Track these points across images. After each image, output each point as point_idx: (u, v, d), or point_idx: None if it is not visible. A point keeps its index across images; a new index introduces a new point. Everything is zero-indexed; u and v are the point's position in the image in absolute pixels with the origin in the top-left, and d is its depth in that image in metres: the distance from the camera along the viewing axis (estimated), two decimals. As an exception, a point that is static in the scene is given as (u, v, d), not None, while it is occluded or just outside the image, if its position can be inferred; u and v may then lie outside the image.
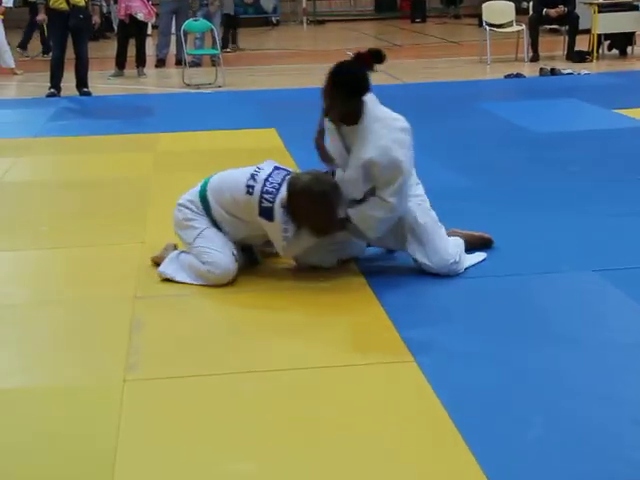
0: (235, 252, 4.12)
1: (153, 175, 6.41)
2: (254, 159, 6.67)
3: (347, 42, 16.73)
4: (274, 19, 20.95)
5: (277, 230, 4.03)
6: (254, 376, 3.23)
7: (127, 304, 3.92)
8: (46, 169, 6.86)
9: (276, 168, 4.16)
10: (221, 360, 3.38)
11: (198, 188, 4.27)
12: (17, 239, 4.91)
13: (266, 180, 4.04)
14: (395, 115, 4.08)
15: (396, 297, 3.91)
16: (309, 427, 2.88)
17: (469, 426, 2.80)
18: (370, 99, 4.02)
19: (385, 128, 3.95)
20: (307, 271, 4.23)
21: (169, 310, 3.90)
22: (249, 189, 4.03)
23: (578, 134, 7.48)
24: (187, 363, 3.37)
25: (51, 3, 10.02)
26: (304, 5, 21.37)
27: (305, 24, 21.23)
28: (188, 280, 4.12)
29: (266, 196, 3.99)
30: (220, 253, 4.07)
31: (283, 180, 4.04)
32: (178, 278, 4.14)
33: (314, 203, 3.95)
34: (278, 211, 3.98)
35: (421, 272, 4.16)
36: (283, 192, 3.98)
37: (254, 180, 4.05)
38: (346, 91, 3.95)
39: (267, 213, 3.99)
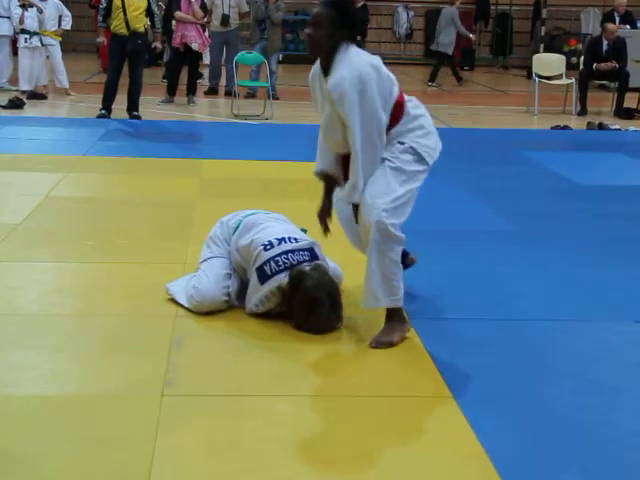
0: (230, 289, 4.12)
1: (198, 199, 6.48)
2: (298, 190, 6.84)
3: (395, 84, 16.86)
4: (324, 59, 21.16)
5: (257, 293, 4.00)
6: (289, 399, 3.24)
7: (168, 321, 3.96)
8: (93, 186, 6.97)
9: (305, 250, 4.08)
10: (258, 381, 3.40)
11: (241, 215, 4.32)
12: (64, 252, 4.99)
13: (287, 252, 4.00)
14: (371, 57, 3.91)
15: (433, 330, 3.92)
16: (338, 450, 2.87)
17: (505, 463, 2.79)
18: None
19: (357, 57, 3.81)
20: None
21: (208, 329, 3.93)
22: (267, 246, 4.02)
23: (623, 189, 7.45)
24: (224, 382, 3.39)
25: (112, 27, 10.26)
26: (354, 46, 21.55)
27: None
28: (184, 303, 4.14)
29: (272, 264, 3.97)
30: (210, 282, 4.08)
31: (298, 264, 3.99)
32: (178, 299, 4.18)
33: (306, 308, 3.87)
34: (271, 284, 3.95)
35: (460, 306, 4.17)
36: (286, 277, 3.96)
37: (279, 244, 4.03)
38: (343, 18, 3.77)
39: (263, 276, 3.98)
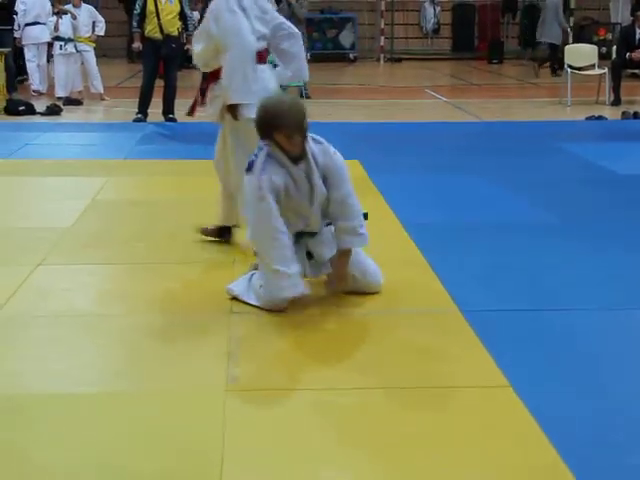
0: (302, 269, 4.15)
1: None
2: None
3: (423, 80, 16.91)
4: (352, 55, 21.22)
5: None
6: (353, 392, 3.30)
7: (224, 318, 4.04)
8: (137, 189, 7.08)
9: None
10: (321, 374, 3.47)
11: None
12: (116, 254, 5.09)
13: None
14: None
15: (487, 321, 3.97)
16: (402, 442, 2.93)
17: (569, 451, 2.83)
18: None
19: None
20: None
21: (265, 325, 3.99)
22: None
23: (662, 177, 7.44)
24: (286, 376, 3.46)
25: (146, 32, 10.39)
26: (382, 43, 21.61)
27: (382, 61, 21.46)
28: (252, 302, 4.18)
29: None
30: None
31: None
32: (245, 299, 4.22)
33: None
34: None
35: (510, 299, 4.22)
36: None
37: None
38: None
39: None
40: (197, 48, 4.98)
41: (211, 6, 4.89)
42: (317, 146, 4.19)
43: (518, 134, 9.94)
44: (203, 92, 5.22)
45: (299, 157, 4.10)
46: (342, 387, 3.35)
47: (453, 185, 7.04)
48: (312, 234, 4.27)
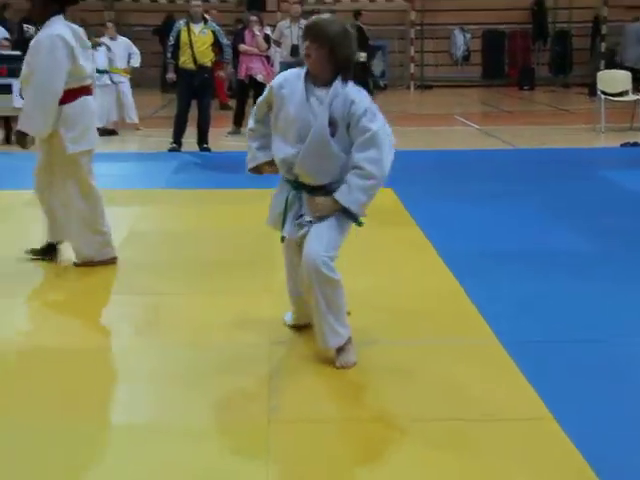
0: None
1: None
2: (370, 218, 6.89)
3: (453, 107, 16.92)
4: (382, 83, 21.31)
5: None
6: (394, 423, 3.30)
7: (264, 349, 4.05)
8: (173, 218, 7.14)
9: None
10: (358, 405, 3.47)
11: None
12: (155, 284, 5.13)
13: None
14: None
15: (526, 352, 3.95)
16: (443, 475, 2.92)
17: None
18: None
19: None
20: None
21: (305, 355, 4.00)
22: None
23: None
24: (327, 406, 3.47)
25: (180, 63, 10.53)
26: (412, 70, 21.70)
27: (412, 89, 21.53)
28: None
29: None
30: None
31: None
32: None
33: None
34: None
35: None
36: None
37: None
38: None
39: None
40: None
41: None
42: (350, 90, 3.73)
43: (553, 161, 9.90)
44: None
45: (322, 83, 3.77)
46: (383, 419, 3.35)
47: (489, 213, 7.04)
48: (310, 190, 3.88)
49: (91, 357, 4.01)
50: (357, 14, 16.36)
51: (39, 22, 5.34)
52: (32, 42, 5.27)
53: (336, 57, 3.70)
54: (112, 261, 5.50)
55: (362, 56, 15.59)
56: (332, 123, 3.74)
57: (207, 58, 10.63)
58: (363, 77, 15.90)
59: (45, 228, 5.59)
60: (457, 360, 3.93)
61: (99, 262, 5.43)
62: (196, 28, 10.58)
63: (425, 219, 6.72)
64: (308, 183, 3.88)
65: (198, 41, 10.53)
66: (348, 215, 3.85)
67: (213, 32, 10.69)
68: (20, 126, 5.29)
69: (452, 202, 7.47)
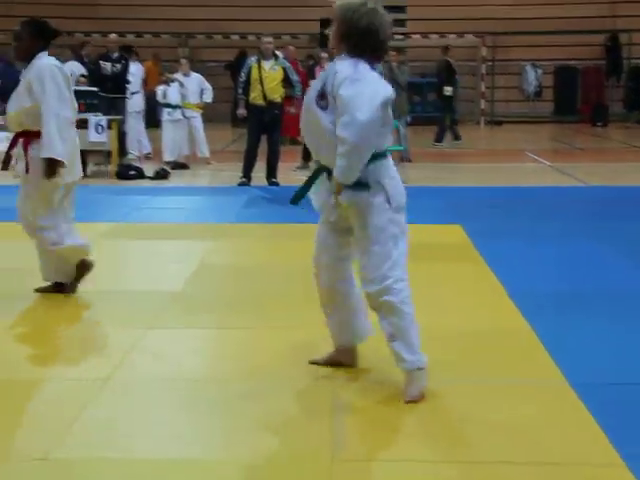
0: None
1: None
2: (439, 254, 6.88)
3: (524, 143, 16.79)
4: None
5: None
6: (459, 466, 3.25)
7: (328, 383, 4.05)
8: (243, 253, 7.21)
9: None
10: (426, 445, 3.43)
11: None
12: (223, 319, 5.18)
13: None
14: None
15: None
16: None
17: None
18: None
19: None
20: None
21: (369, 390, 3.98)
22: None
23: None
24: (392, 445, 3.44)
25: (250, 98, 10.69)
26: (482, 106, 21.62)
27: (482, 124, 21.44)
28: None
29: None
30: None
31: None
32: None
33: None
34: None
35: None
36: None
37: None
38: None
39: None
40: None
41: None
42: (340, 62, 3.80)
43: (628, 200, 9.71)
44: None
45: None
46: (447, 460, 3.30)
47: (560, 251, 6.93)
48: (329, 172, 3.87)
49: (157, 389, 4.06)
50: (445, 49, 16.43)
51: (25, 59, 5.42)
52: (31, 74, 5.32)
53: (342, 32, 3.81)
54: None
55: (448, 90, 15.62)
56: (324, 97, 3.77)
57: (277, 94, 10.76)
58: (448, 110, 15.99)
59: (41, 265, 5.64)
60: (522, 400, 3.87)
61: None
62: (267, 65, 10.74)
63: (494, 256, 6.66)
64: (324, 164, 3.89)
65: (268, 77, 10.68)
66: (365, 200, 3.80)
67: (283, 69, 10.83)
68: (47, 153, 5.26)
69: (522, 240, 7.38)
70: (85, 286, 5.81)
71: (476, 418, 3.71)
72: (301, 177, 11.77)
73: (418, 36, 21.34)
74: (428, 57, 21.05)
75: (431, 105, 21.03)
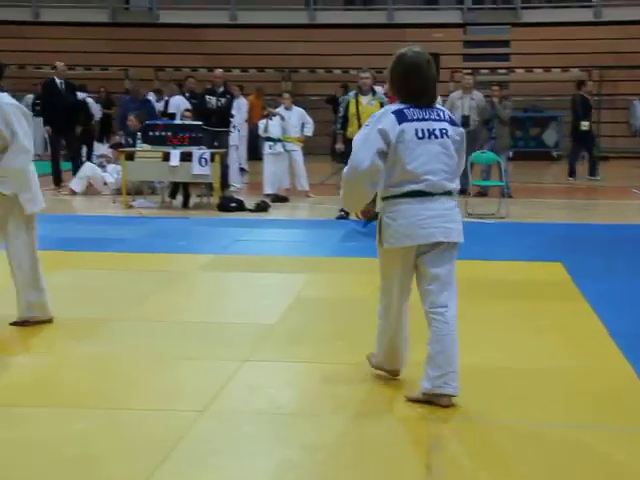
0: None
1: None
2: (539, 292, 6.76)
3: (631, 179, 16.37)
4: (555, 154, 20.94)
5: None
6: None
7: (423, 423, 4.01)
8: (340, 286, 7.23)
9: None
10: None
11: None
12: (318, 352, 5.20)
13: None
14: None
15: None
16: None
17: None
18: None
19: None
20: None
21: (468, 431, 3.93)
22: None
23: None
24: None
25: (348, 133, 10.78)
26: (587, 141, 21.19)
27: (586, 159, 20.97)
28: None
29: None
30: None
31: None
32: None
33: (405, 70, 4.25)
34: None
35: None
36: None
37: None
38: None
39: None
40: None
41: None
42: None
43: None
44: None
45: None
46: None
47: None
48: None
49: (251, 422, 4.09)
50: (580, 84, 16.31)
51: None
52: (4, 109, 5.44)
53: (389, 80, 4.30)
54: (49, 321, 5.70)
55: (585, 125, 15.50)
56: None
57: None
58: (586, 145, 15.83)
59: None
60: (629, 449, 3.75)
61: (36, 322, 5.65)
62: (364, 99, 10.82)
63: (595, 295, 6.50)
64: None
65: (365, 112, 10.73)
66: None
67: (380, 103, 10.87)
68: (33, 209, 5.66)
69: (625, 279, 7.18)
70: (181, 317, 5.93)
71: (569, 463, 3.61)
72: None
73: (521, 70, 21.13)
74: (531, 92, 20.86)
75: (533, 140, 20.81)
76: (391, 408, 4.25)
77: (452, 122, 4.28)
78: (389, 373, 4.62)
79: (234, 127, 13.75)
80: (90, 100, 16.21)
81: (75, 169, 13.96)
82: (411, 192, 4.13)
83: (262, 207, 11.84)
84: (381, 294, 4.51)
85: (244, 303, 6.54)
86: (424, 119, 4.15)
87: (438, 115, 4.21)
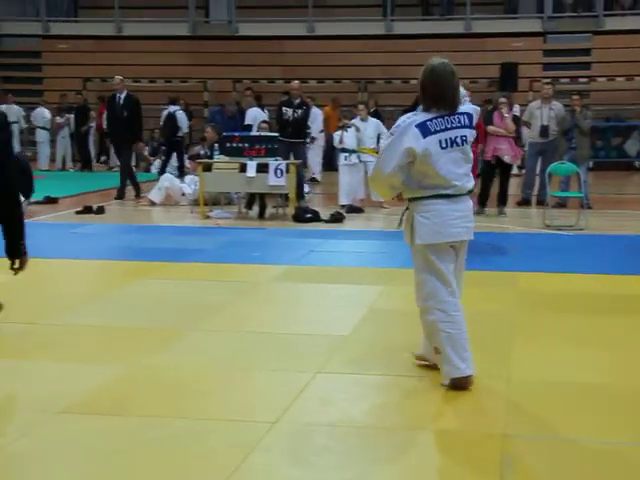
0: None
1: (516, 312, 6.47)
2: (621, 306, 6.60)
3: None
4: (637, 164, 20.46)
5: None
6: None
7: (495, 441, 3.94)
8: (412, 298, 7.14)
9: None
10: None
11: None
12: (389, 364, 5.18)
13: None
14: None
15: None
16: None
17: None
18: None
19: None
20: None
21: (542, 451, 3.85)
22: None
23: None
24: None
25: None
26: (671, 151, 20.64)
27: (670, 169, 20.45)
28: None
29: None
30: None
31: None
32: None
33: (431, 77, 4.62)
34: None
35: None
36: None
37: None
38: None
39: None
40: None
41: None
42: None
43: None
44: None
45: None
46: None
47: None
48: None
49: (323, 434, 4.09)
50: None
51: None
52: None
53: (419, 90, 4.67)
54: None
55: None
56: None
57: None
58: None
59: None
60: None
61: None
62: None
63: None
64: None
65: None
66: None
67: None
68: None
69: None
70: (255, 328, 5.97)
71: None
72: (477, 223, 11.64)
73: (603, 79, 20.71)
74: (612, 101, 20.43)
75: (615, 150, 20.36)
76: (464, 423, 4.20)
77: (471, 126, 4.66)
78: (434, 366, 4.88)
79: (311, 138, 13.81)
80: (180, 113, 16.48)
81: (128, 181, 14.05)
82: (441, 195, 4.58)
83: (337, 218, 11.85)
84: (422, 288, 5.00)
85: (318, 314, 6.55)
86: (446, 129, 4.54)
87: (459, 122, 4.59)
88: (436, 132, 4.51)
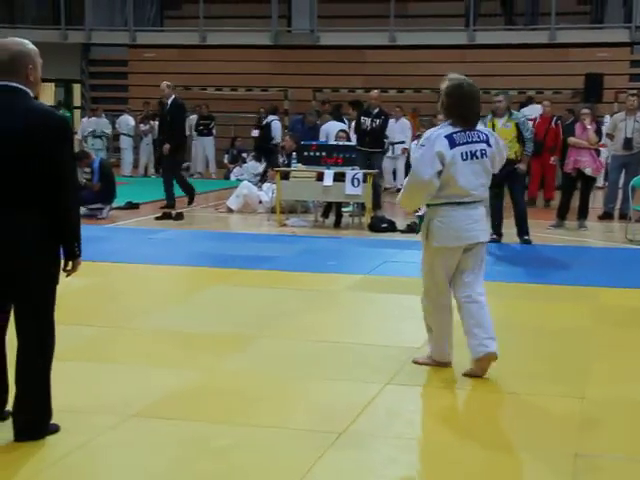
0: None
1: (596, 328, 6.34)
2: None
3: None
4: None
5: None
6: None
7: (567, 462, 3.86)
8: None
9: None
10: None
11: None
12: (456, 378, 5.12)
13: None
14: None
15: None
16: None
17: None
18: None
19: None
20: None
21: (614, 471, 3.76)
22: None
23: None
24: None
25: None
26: None
27: None
28: None
29: None
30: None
31: None
32: None
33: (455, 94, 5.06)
34: None
35: None
36: None
37: None
38: None
39: None
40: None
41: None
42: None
43: None
44: None
45: None
46: None
47: None
48: None
49: (389, 446, 4.07)
50: None
51: None
52: None
53: (440, 103, 5.08)
54: None
55: None
56: None
57: (511, 151, 10.45)
58: None
59: None
60: None
61: None
62: (499, 122, 10.59)
63: None
64: None
65: (501, 134, 10.39)
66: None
67: (516, 125, 10.62)
68: None
69: None
70: (326, 337, 5.97)
71: None
72: (556, 236, 11.48)
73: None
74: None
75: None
76: (532, 440, 4.13)
77: (489, 143, 5.05)
78: (438, 365, 5.21)
79: (388, 148, 13.77)
80: (275, 122, 16.65)
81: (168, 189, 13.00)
82: (459, 202, 4.96)
83: (413, 228, 11.78)
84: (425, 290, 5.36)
85: (390, 325, 6.53)
86: (468, 142, 4.95)
87: (479, 137, 5.03)
88: (460, 144, 4.92)
